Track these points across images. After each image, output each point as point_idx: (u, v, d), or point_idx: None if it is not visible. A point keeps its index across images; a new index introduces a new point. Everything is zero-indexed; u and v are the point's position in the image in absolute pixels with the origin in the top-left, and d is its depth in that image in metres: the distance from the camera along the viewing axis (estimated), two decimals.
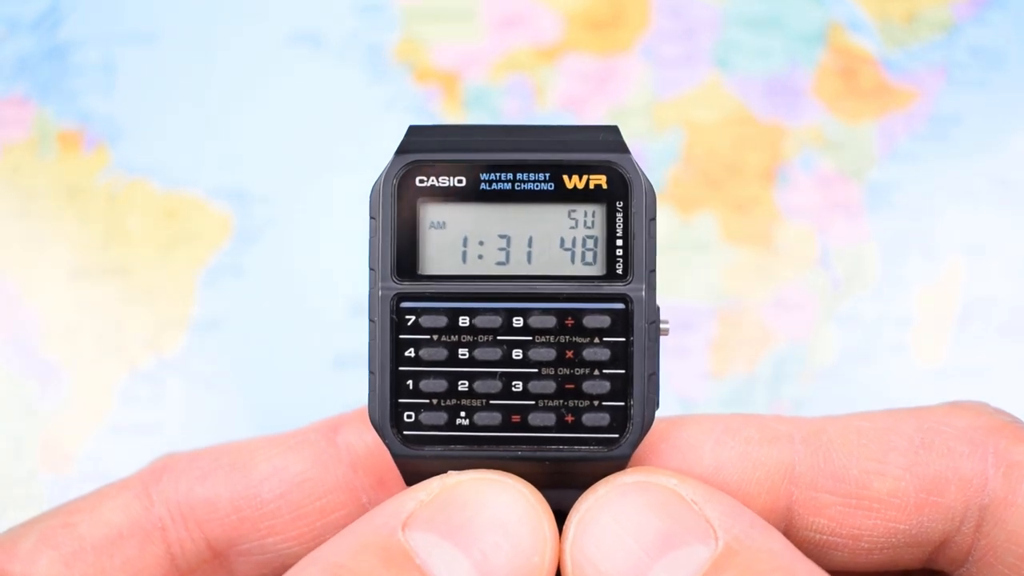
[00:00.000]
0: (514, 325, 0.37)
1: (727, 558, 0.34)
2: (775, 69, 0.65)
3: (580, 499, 0.36)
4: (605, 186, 0.37)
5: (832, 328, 0.63)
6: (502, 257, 0.37)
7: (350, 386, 0.62)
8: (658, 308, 0.37)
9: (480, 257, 0.37)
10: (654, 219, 0.37)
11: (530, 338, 0.37)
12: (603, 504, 0.36)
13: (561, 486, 0.37)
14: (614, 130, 0.38)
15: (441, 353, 0.37)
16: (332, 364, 0.63)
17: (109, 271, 0.64)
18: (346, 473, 0.41)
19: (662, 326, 0.37)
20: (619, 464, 0.37)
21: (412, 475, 0.37)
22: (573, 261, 0.37)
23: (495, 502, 0.35)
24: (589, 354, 0.37)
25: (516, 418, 0.37)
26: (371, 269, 0.37)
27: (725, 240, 0.64)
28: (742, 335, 0.63)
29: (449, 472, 0.37)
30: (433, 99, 0.65)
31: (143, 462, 0.43)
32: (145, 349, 0.63)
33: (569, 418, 0.37)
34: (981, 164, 0.64)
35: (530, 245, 0.37)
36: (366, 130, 0.65)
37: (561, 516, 0.37)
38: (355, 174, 0.65)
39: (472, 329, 0.37)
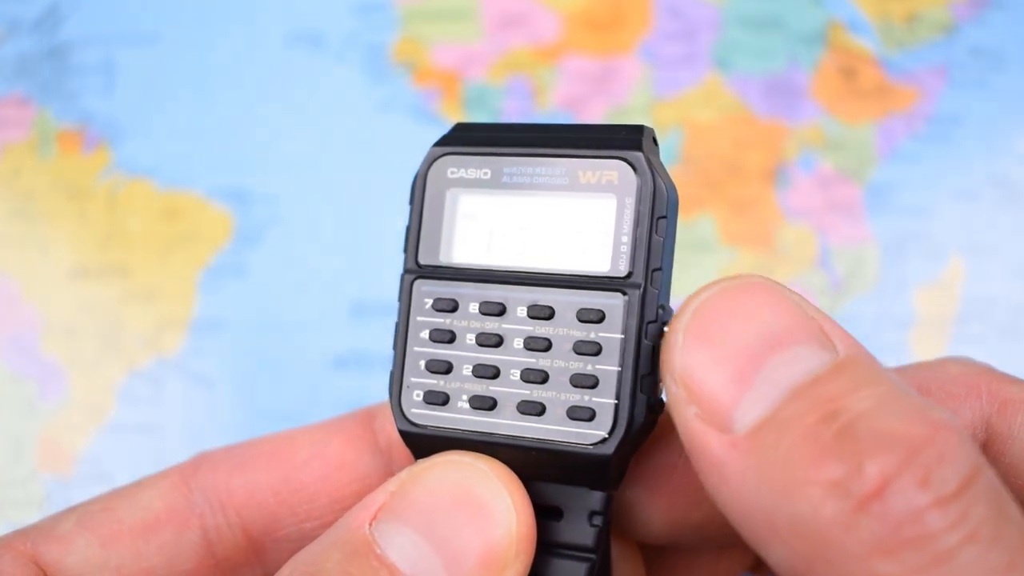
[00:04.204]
0: (517, 314, 0.38)
1: (849, 365, 0.33)
2: (775, 69, 0.65)
3: (699, 289, 0.35)
4: (616, 182, 0.37)
5: None
6: (516, 247, 0.39)
7: (350, 386, 0.62)
8: (670, 310, 0.37)
9: (496, 247, 0.39)
10: (664, 217, 0.37)
11: (530, 328, 0.38)
12: (732, 291, 0.35)
13: (546, 479, 0.38)
14: (638, 129, 0.38)
15: (447, 336, 0.39)
16: (332, 364, 0.63)
17: (109, 271, 0.64)
18: (382, 458, 0.42)
19: (666, 329, 0.36)
20: (601, 459, 0.37)
21: (417, 450, 0.39)
22: (580, 255, 0.38)
23: (456, 482, 0.36)
24: (583, 347, 0.37)
25: (510, 403, 0.38)
26: (404, 252, 0.40)
27: (725, 240, 0.64)
28: None
29: (417, 460, 0.38)
30: (433, 99, 0.65)
31: (143, 462, 0.43)
32: (145, 349, 0.63)
33: (559, 409, 0.37)
34: (981, 164, 0.64)
35: (542, 237, 0.38)
36: (366, 130, 0.65)
37: (544, 511, 0.37)
38: (355, 174, 0.65)
39: (478, 315, 0.38)
